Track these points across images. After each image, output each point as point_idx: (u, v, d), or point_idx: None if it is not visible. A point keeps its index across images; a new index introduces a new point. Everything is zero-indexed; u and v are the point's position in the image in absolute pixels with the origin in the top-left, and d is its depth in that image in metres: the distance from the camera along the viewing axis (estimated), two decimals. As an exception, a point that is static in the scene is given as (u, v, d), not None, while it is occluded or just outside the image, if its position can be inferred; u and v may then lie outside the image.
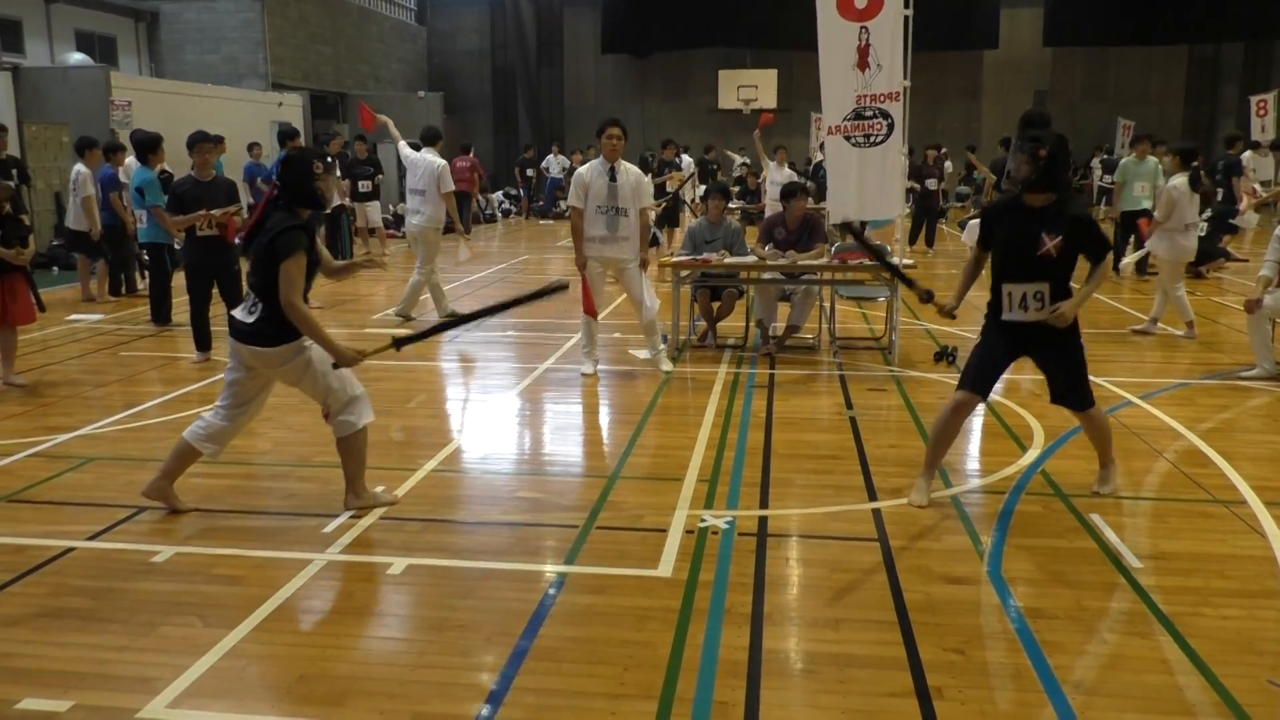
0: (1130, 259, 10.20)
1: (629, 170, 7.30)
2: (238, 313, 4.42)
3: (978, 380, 4.63)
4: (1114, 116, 24.81)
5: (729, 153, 16.44)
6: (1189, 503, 4.74)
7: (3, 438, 5.86)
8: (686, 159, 18.10)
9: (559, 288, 4.90)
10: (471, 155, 20.02)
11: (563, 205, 18.95)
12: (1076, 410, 4.72)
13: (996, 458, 5.44)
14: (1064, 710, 2.99)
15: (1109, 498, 4.76)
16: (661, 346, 7.64)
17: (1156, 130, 19.66)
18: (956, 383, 4.75)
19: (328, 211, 13.88)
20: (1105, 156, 23.16)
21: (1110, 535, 4.31)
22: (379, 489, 4.78)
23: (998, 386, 4.99)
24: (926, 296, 4.82)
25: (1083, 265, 4.58)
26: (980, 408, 6.38)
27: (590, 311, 7.37)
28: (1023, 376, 6.95)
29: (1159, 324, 8.86)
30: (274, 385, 4.67)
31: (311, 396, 4.56)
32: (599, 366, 7.52)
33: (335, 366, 4.36)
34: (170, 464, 4.61)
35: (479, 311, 5.09)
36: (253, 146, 15.42)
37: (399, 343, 4.55)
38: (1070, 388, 4.66)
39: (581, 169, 7.36)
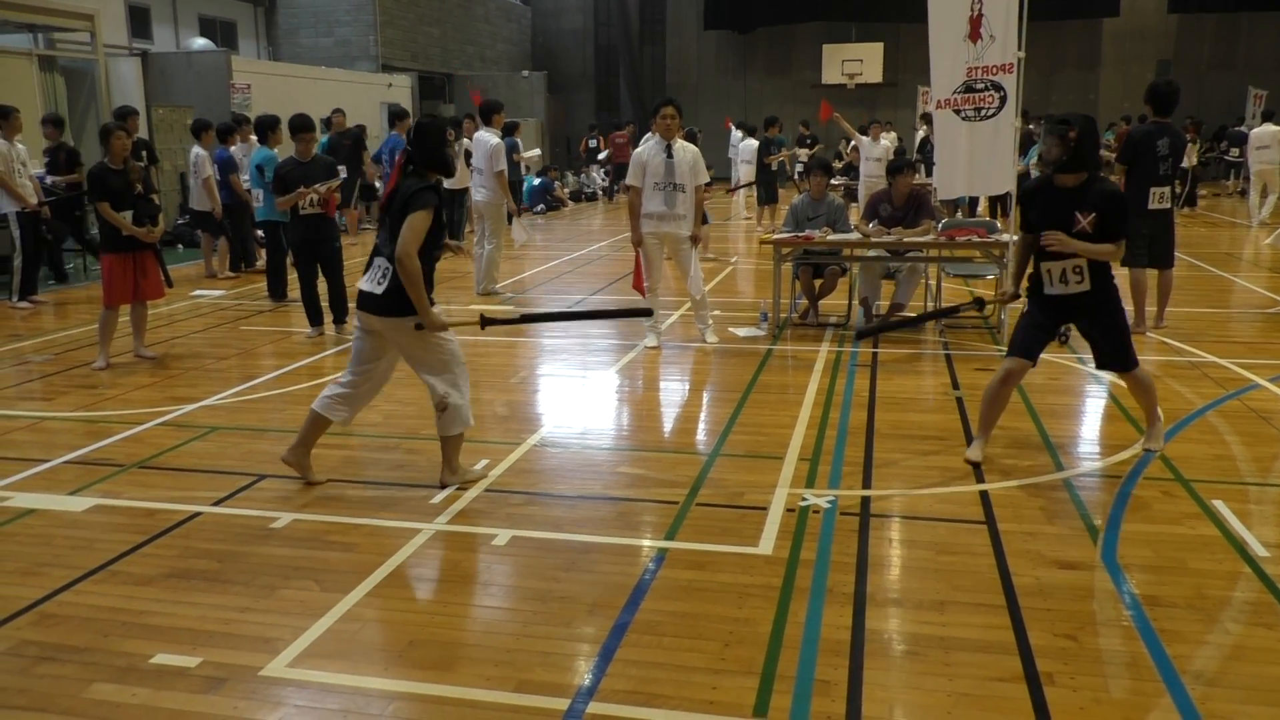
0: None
1: (685, 148, 7.47)
2: (364, 284, 4.54)
3: (1025, 347, 4.84)
4: (1244, 86, 23.49)
5: (846, 124, 16.16)
6: (1322, 491, 4.50)
7: (135, 407, 6.19)
8: (739, 133, 17.73)
9: (644, 312, 5.82)
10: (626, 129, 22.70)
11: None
12: (1122, 372, 4.94)
13: (1114, 441, 5.26)
14: (1183, 701, 2.88)
15: (1232, 483, 4.56)
16: (710, 321, 7.89)
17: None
18: (1006, 351, 4.96)
19: (450, 189, 14.27)
20: (1235, 129, 22.02)
21: (1234, 522, 4.12)
22: (478, 465, 4.94)
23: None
24: (979, 305, 5.44)
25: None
26: (1100, 389, 6.21)
27: (639, 289, 7.68)
28: (1146, 358, 6.67)
29: None
30: (398, 358, 4.78)
31: (427, 373, 4.58)
32: (662, 340, 7.76)
33: (418, 327, 4.45)
34: (305, 433, 4.79)
35: (573, 313, 5.48)
36: (361, 129, 15.80)
37: (485, 321, 4.80)
38: (1114, 352, 4.85)
39: (639, 149, 7.61)
